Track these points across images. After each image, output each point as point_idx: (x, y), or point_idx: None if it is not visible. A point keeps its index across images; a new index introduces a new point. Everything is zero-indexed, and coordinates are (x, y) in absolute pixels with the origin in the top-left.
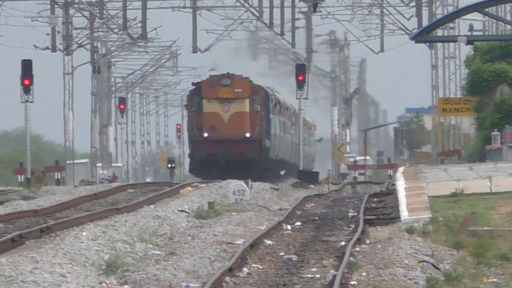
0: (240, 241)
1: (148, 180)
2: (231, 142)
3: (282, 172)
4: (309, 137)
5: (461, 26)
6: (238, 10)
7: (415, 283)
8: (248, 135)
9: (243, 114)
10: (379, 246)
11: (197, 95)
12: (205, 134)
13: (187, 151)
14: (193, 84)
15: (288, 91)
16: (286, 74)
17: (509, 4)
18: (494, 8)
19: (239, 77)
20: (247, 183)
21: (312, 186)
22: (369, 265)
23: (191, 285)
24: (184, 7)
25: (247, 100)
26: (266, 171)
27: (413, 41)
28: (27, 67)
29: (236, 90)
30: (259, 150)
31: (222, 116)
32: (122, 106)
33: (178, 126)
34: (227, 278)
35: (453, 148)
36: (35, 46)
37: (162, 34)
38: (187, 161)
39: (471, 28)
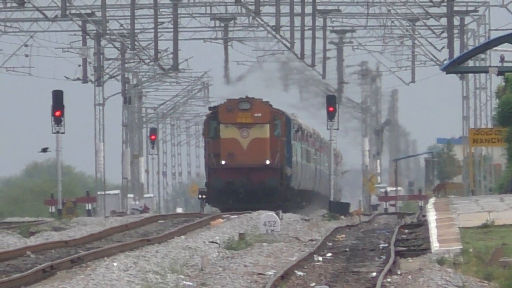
0: (271, 272)
1: (179, 211)
2: (250, 170)
3: (304, 203)
4: (335, 167)
5: (492, 57)
6: (269, 41)
7: None
8: (268, 162)
9: (263, 140)
10: (410, 277)
11: (214, 120)
12: (223, 162)
13: None
14: (209, 108)
15: (319, 122)
16: (317, 105)
17: None
18: None
19: (258, 101)
20: (278, 214)
21: (343, 217)
22: None
23: None
24: (215, 39)
25: (267, 126)
26: (288, 201)
27: (444, 72)
28: (58, 98)
29: (256, 114)
30: (280, 179)
31: (241, 142)
32: (153, 137)
33: None
34: None
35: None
36: (66, 77)
37: (193, 65)
38: None
39: (502, 59)
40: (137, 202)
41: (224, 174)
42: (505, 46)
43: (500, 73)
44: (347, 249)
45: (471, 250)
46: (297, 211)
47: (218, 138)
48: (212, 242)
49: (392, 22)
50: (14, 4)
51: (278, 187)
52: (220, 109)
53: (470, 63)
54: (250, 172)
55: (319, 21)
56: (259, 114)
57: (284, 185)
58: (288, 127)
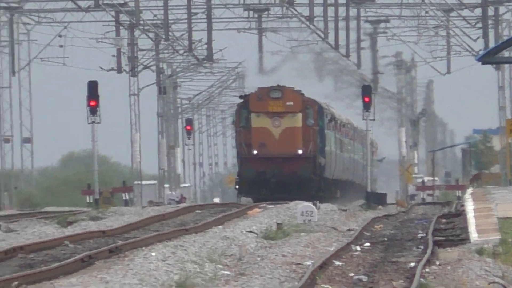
0: (309, 262)
1: (216, 200)
2: (282, 159)
3: (338, 194)
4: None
5: None
6: (303, 32)
7: None
8: (300, 152)
9: (295, 129)
10: (449, 267)
11: (245, 109)
12: (254, 152)
13: None
14: (240, 97)
15: (354, 113)
16: (351, 96)
17: None
18: None
19: (290, 89)
20: (315, 204)
21: (380, 207)
22: (440, 286)
23: None
24: (249, 29)
25: (300, 114)
26: (321, 191)
27: (480, 63)
28: (93, 88)
29: (288, 103)
30: (313, 168)
31: (272, 132)
32: (189, 128)
33: None
34: None
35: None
36: (100, 68)
37: (227, 55)
38: None
39: None
40: (174, 192)
41: (255, 164)
42: None
43: None
44: (385, 239)
45: (510, 240)
46: (331, 201)
47: (249, 127)
48: (250, 231)
49: (426, 12)
50: None
51: (311, 177)
52: (251, 98)
53: (506, 53)
54: (282, 162)
55: (353, 11)
56: (291, 103)
57: (317, 175)
58: (321, 116)
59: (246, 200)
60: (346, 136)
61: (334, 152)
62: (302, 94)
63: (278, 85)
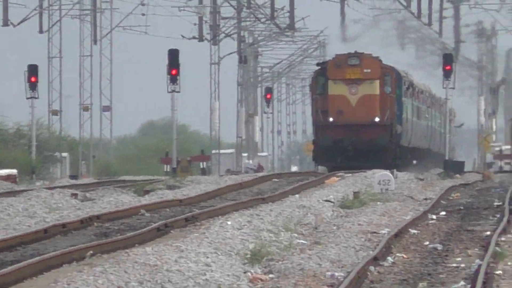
0: (385, 231)
1: (294, 169)
2: (359, 127)
3: (414, 162)
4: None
5: None
6: (386, 0)
7: None
8: (377, 119)
9: (373, 96)
10: None
11: (322, 76)
12: (331, 119)
13: None
14: (317, 64)
15: (435, 82)
16: (433, 64)
17: None
18: None
19: (368, 56)
20: (392, 173)
21: (458, 176)
22: None
23: (336, 274)
24: None
25: (377, 82)
26: (397, 159)
27: None
28: (174, 56)
29: (365, 70)
30: (390, 136)
31: (349, 99)
32: (268, 96)
33: None
34: (372, 267)
35: None
36: (182, 36)
37: (309, 23)
38: None
39: None
40: (251, 161)
41: (332, 131)
42: None
43: None
44: (461, 208)
45: None
46: (408, 169)
47: (326, 94)
48: (327, 200)
49: None
50: None
51: (388, 145)
52: (328, 65)
53: None
54: (359, 130)
55: None
56: (369, 70)
57: (394, 143)
58: (399, 84)
59: (323, 169)
60: (424, 103)
61: (411, 120)
62: (380, 61)
63: (356, 52)
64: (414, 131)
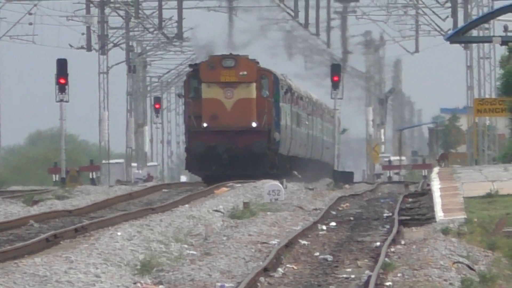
0: (275, 241)
1: (183, 179)
2: (234, 133)
3: (296, 173)
4: (333, 129)
5: (496, 27)
6: (274, 11)
7: (450, 284)
8: (254, 125)
9: (249, 100)
10: (414, 246)
11: (194, 78)
12: (204, 124)
13: None
14: (190, 66)
15: (323, 92)
16: (321, 75)
17: None
18: None
19: (244, 58)
20: (282, 183)
21: (347, 186)
22: (404, 265)
23: (226, 285)
24: (219, 7)
25: (254, 85)
26: (276, 168)
27: (448, 42)
28: (62, 66)
29: (241, 73)
30: (267, 143)
31: (224, 103)
32: (157, 106)
33: None
34: (262, 278)
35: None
36: (70, 45)
37: (197, 33)
38: None
39: (505, 29)
40: (141, 171)
41: (205, 137)
42: (509, 16)
43: (504, 43)
44: (351, 218)
45: (475, 219)
46: (287, 179)
47: (199, 98)
48: (216, 211)
49: None
50: None
51: (266, 152)
52: (201, 67)
53: (474, 32)
54: (235, 136)
55: None
56: (245, 72)
57: (272, 150)
58: (276, 88)
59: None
60: (304, 110)
61: (290, 127)
62: (257, 63)
63: (231, 54)
64: (294, 139)
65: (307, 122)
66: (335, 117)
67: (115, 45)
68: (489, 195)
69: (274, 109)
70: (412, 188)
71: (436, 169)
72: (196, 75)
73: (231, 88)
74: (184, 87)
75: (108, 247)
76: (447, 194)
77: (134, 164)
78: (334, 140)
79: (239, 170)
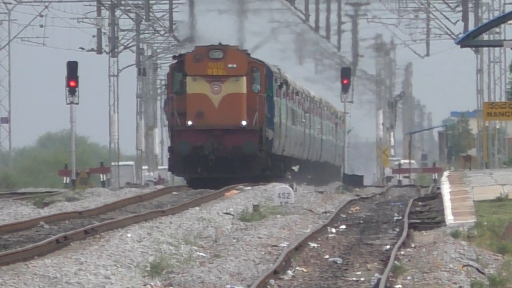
0: (284, 244)
1: None
2: (222, 132)
3: (295, 168)
4: (335, 129)
5: (507, 31)
6: (284, 14)
7: (460, 287)
8: (244, 123)
9: (239, 96)
10: (423, 250)
11: (179, 71)
12: (189, 122)
13: None
14: (174, 57)
15: (333, 95)
16: (331, 78)
17: None
18: None
19: (233, 49)
20: (292, 186)
21: (357, 189)
22: (414, 269)
23: (236, 287)
24: (231, 10)
25: (244, 79)
26: (269, 170)
27: (459, 46)
28: (72, 68)
29: (230, 65)
30: (259, 143)
31: (211, 99)
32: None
33: None
34: (272, 281)
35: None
36: (81, 48)
37: (208, 36)
38: None
39: None
40: (152, 174)
41: (191, 137)
42: None
43: None
44: (361, 222)
45: (485, 223)
46: (281, 181)
47: (184, 93)
48: (227, 213)
49: None
50: None
51: (257, 153)
52: (186, 59)
53: (485, 36)
54: (223, 135)
55: None
56: (234, 65)
57: (264, 151)
58: (270, 81)
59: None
60: (300, 106)
61: (285, 124)
62: (248, 55)
63: (219, 44)
64: (289, 138)
65: (303, 120)
66: (345, 120)
67: (126, 47)
68: (499, 199)
69: (266, 105)
70: (422, 192)
71: (446, 173)
72: (180, 68)
73: (218, 82)
74: (167, 81)
75: (118, 248)
76: (457, 197)
77: (144, 167)
78: (336, 138)
79: (227, 173)
